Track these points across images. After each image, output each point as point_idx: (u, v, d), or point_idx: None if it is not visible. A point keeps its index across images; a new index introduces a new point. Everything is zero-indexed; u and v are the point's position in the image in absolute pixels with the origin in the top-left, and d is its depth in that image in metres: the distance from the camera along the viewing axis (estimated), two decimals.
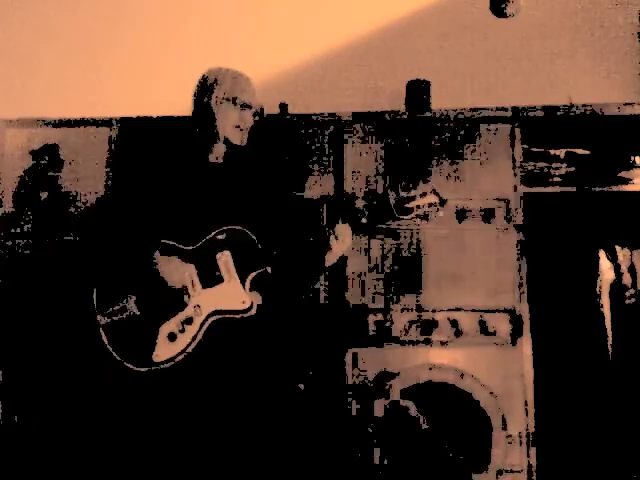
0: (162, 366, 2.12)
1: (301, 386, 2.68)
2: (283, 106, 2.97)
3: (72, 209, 2.95)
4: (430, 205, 2.24)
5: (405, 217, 2.24)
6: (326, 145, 2.92)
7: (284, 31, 3.38)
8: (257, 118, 2.36)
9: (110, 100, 3.22)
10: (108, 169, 2.95)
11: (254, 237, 2.22)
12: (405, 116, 2.94)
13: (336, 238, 2.21)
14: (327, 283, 2.79)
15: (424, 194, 2.24)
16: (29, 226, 2.95)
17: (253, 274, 2.21)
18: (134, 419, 2.28)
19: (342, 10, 3.39)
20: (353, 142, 2.91)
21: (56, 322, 2.77)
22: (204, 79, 2.35)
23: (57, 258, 2.87)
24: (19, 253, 2.92)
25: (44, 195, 2.98)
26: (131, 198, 2.29)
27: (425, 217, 2.24)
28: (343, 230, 2.23)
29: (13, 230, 2.95)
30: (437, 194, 2.24)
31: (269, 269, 2.22)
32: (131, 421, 2.30)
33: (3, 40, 3.50)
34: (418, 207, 2.23)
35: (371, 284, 2.80)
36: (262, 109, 2.40)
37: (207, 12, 3.45)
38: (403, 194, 2.25)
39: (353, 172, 2.89)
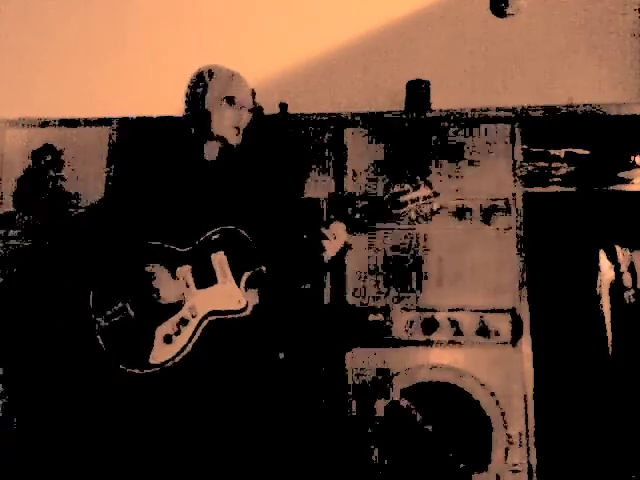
0: (159, 368, 2.11)
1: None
2: (283, 106, 2.97)
3: (72, 209, 2.95)
4: (425, 198, 2.25)
5: (399, 211, 2.24)
6: (326, 145, 2.92)
7: (284, 31, 3.38)
8: (252, 117, 2.36)
9: (110, 100, 3.22)
10: (108, 169, 2.95)
11: (248, 237, 2.22)
12: (405, 116, 2.94)
13: (332, 237, 2.22)
14: (328, 282, 2.79)
15: (417, 187, 2.25)
16: (29, 226, 2.95)
17: (248, 274, 2.21)
18: (131, 421, 2.27)
19: (342, 10, 3.39)
20: (353, 142, 2.91)
21: (53, 324, 2.76)
22: (197, 77, 2.34)
23: (56, 258, 2.86)
24: (19, 253, 2.92)
25: (44, 195, 2.98)
26: (128, 199, 2.29)
27: (420, 210, 2.25)
28: (337, 228, 2.23)
29: (13, 230, 2.95)
30: (430, 187, 2.25)
31: (264, 269, 2.22)
32: (129, 423, 2.29)
33: (3, 40, 3.50)
34: (412, 201, 2.24)
35: (371, 284, 2.80)
36: (261, 108, 2.40)
37: (207, 12, 3.46)
38: (396, 188, 2.25)
39: (353, 172, 2.89)
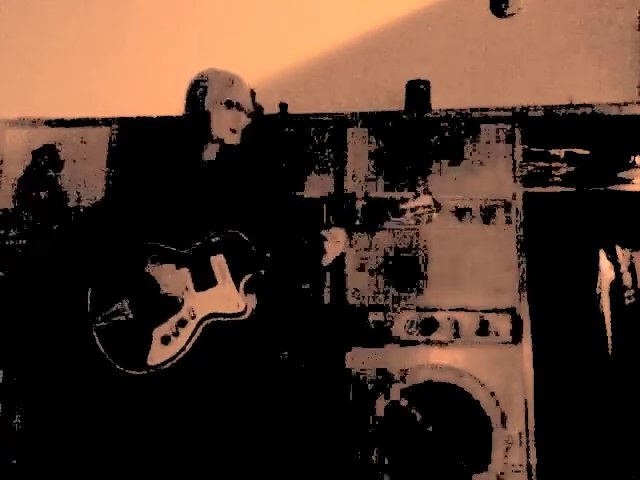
0: (156, 369, 2.11)
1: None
2: (283, 106, 2.97)
3: (72, 209, 2.95)
4: (425, 207, 2.25)
5: (399, 219, 2.25)
6: (326, 145, 2.92)
7: (284, 31, 3.38)
8: (251, 119, 2.36)
9: (110, 100, 3.22)
10: (108, 169, 2.95)
11: (248, 240, 2.22)
12: (405, 116, 2.94)
13: (333, 241, 2.22)
14: (328, 283, 2.79)
15: (417, 196, 2.25)
16: (29, 226, 2.95)
17: (247, 277, 2.21)
18: (129, 423, 2.27)
19: (342, 10, 3.39)
20: (353, 142, 2.91)
21: (52, 325, 2.76)
22: (198, 81, 2.35)
23: (56, 258, 2.86)
24: (18, 253, 2.92)
25: (44, 195, 2.98)
26: (127, 200, 2.29)
27: (420, 219, 2.25)
28: (337, 233, 2.24)
29: (13, 230, 2.95)
30: (431, 196, 2.25)
31: (263, 272, 2.23)
32: (126, 425, 2.30)
33: (3, 40, 3.50)
34: (412, 209, 2.24)
35: (371, 284, 2.80)
36: (261, 108, 2.40)
37: (207, 12, 3.46)
38: (396, 196, 2.26)
39: (353, 172, 2.89)
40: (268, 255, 2.21)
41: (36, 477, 2.71)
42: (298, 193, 2.86)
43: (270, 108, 2.87)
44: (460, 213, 2.80)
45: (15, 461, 2.75)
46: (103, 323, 2.15)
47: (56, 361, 2.76)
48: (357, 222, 2.29)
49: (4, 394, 2.82)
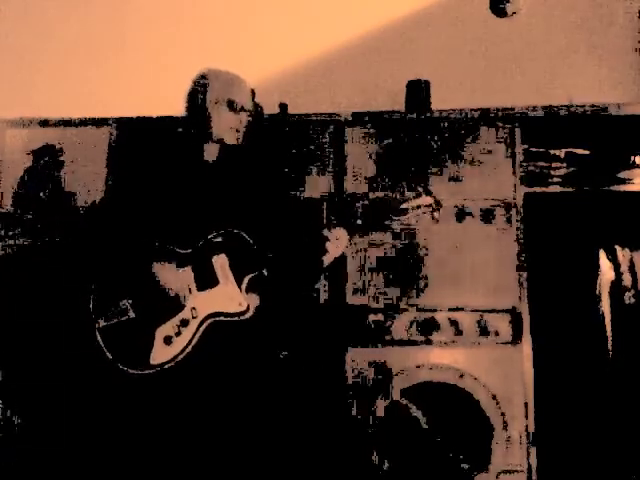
0: (159, 369, 2.12)
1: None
2: (283, 106, 2.97)
3: (72, 209, 2.95)
4: (426, 206, 2.25)
5: (400, 217, 2.25)
6: (326, 145, 2.92)
7: (284, 31, 3.38)
8: (251, 119, 2.37)
9: (110, 100, 3.22)
10: (108, 169, 2.95)
11: (250, 239, 2.23)
12: (405, 116, 2.94)
13: (331, 240, 2.22)
14: (327, 283, 2.79)
15: (418, 195, 2.26)
16: (29, 226, 2.95)
17: (249, 276, 2.21)
18: (132, 422, 2.27)
19: (342, 10, 3.39)
20: (353, 142, 2.91)
21: (53, 325, 2.76)
22: (198, 81, 2.35)
23: (56, 259, 2.86)
24: (19, 253, 2.92)
25: (44, 195, 2.98)
26: (128, 200, 2.29)
27: (422, 218, 2.25)
28: (339, 233, 2.24)
29: (13, 230, 2.95)
30: (432, 195, 2.26)
31: (265, 271, 2.23)
32: (129, 424, 2.30)
33: (3, 40, 3.50)
34: (413, 208, 2.25)
35: (371, 284, 2.80)
36: (261, 109, 2.39)
37: (207, 12, 3.46)
38: (398, 195, 2.26)
39: (353, 172, 2.89)
40: (270, 255, 2.22)
41: (36, 477, 2.71)
42: (296, 194, 2.86)
43: (270, 108, 2.88)
44: (460, 213, 2.80)
45: (15, 461, 2.75)
46: (105, 323, 2.16)
47: (58, 361, 2.76)
48: (358, 222, 2.29)
49: (4, 394, 2.82)
